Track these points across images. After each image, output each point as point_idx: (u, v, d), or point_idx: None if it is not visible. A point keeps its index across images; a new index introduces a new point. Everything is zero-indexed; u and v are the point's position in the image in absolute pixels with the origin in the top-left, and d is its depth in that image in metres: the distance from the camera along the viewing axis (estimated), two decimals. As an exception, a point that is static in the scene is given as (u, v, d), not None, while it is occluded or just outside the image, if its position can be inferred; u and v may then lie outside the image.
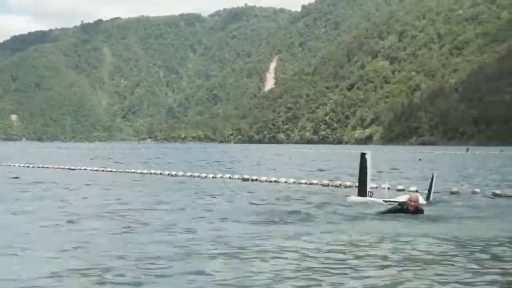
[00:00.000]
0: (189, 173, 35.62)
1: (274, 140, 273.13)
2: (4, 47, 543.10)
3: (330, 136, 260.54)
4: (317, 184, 28.48)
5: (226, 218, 16.00)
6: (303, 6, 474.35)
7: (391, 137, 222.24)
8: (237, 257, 10.79)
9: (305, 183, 28.87)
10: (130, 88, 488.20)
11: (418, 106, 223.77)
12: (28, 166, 47.04)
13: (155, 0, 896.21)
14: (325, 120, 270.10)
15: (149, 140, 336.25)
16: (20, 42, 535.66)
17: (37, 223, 15.14)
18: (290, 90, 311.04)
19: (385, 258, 10.84)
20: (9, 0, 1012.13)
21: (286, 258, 10.71)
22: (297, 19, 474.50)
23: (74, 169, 42.04)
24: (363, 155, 20.51)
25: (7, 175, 35.62)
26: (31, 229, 14.05)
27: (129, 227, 14.50)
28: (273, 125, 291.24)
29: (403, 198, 18.28)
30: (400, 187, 25.60)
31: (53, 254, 10.98)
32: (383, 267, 10.15)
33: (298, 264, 10.24)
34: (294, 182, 29.41)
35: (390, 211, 16.66)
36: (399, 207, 16.61)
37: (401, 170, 44.98)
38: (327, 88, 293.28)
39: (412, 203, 16.32)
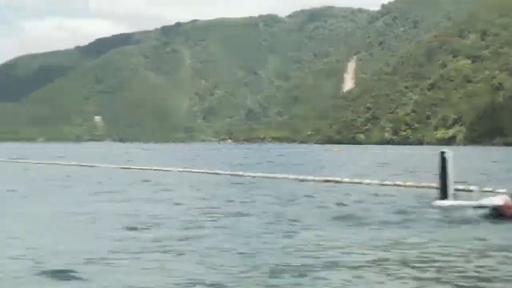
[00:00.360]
0: (272, 175, 35.83)
1: (353, 141, 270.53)
2: (88, 50, 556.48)
3: (411, 136, 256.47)
4: (402, 185, 28.10)
5: (313, 223, 15.87)
6: (383, 6, 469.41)
7: (474, 138, 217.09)
8: (332, 267, 10.52)
9: (390, 184, 28.54)
10: (209, 89, 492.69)
11: (502, 105, 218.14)
12: (115, 167, 48.12)
13: (233, 2, 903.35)
14: (405, 120, 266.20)
15: (229, 141, 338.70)
16: (103, 45, 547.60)
17: (132, 226, 15.45)
18: (369, 90, 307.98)
19: (486, 272, 10.22)
20: (93, 4, 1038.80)
21: (382, 267, 10.49)
22: (375, 19, 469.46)
23: (161, 170, 42.77)
24: (442, 154, 19.66)
25: (96, 177, 36.61)
26: (121, 234, 14.28)
27: (218, 232, 14.54)
28: (353, 125, 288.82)
29: (492, 200, 17.45)
30: (487, 188, 24.73)
31: (147, 265, 10.91)
32: (487, 282, 9.59)
33: (395, 275, 9.95)
34: (378, 183, 29.13)
35: (485, 216, 16.02)
36: (493, 212, 15.95)
37: (487, 171, 44.01)
38: (406, 87, 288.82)
39: (510, 210, 15.61)
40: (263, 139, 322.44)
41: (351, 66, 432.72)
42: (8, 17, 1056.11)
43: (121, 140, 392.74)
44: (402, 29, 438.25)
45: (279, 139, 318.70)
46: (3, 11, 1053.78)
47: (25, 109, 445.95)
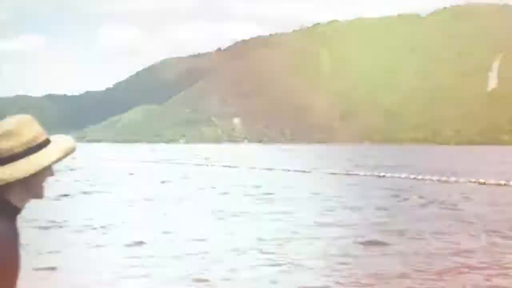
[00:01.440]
0: (428, 177, 35.84)
1: (497, 142, 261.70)
2: (229, 52, 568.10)
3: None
4: None
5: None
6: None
7: None
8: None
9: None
10: (348, 90, 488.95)
11: None
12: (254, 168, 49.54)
13: (372, 2, 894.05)
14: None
15: (367, 142, 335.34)
16: (243, 47, 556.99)
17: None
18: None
19: None
20: (234, 8, 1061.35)
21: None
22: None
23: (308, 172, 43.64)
24: None
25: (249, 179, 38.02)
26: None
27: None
28: (496, 126, 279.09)
29: None
30: None
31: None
32: None
33: None
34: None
35: None
36: None
37: None
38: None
39: None
40: (401, 141, 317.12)
41: (496, 65, 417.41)
42: (155, 21, 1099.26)
43: (259, 141, 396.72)
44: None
45: (418, 141, 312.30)
46: (150, 15, 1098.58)
47: (169, 111, 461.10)
